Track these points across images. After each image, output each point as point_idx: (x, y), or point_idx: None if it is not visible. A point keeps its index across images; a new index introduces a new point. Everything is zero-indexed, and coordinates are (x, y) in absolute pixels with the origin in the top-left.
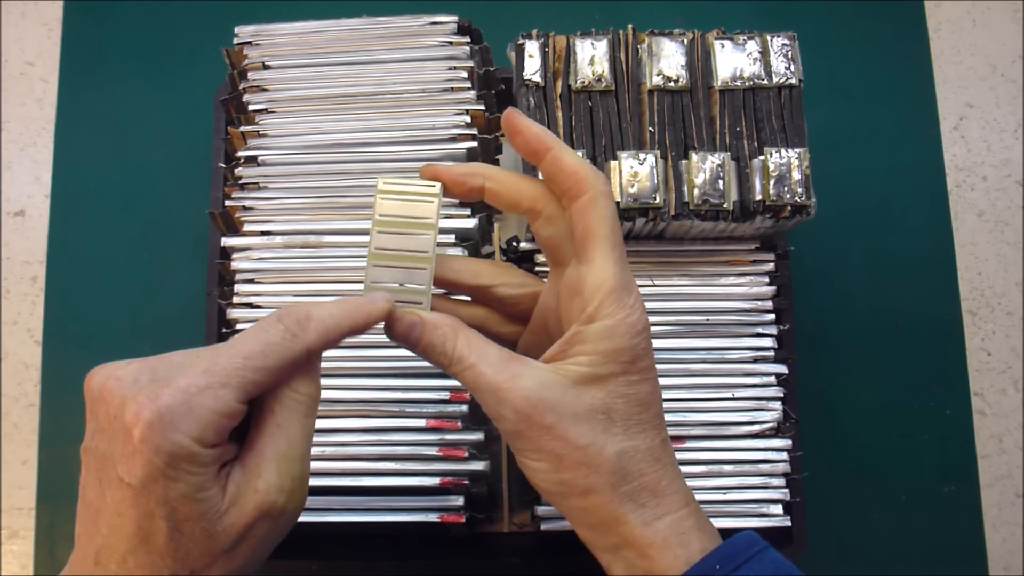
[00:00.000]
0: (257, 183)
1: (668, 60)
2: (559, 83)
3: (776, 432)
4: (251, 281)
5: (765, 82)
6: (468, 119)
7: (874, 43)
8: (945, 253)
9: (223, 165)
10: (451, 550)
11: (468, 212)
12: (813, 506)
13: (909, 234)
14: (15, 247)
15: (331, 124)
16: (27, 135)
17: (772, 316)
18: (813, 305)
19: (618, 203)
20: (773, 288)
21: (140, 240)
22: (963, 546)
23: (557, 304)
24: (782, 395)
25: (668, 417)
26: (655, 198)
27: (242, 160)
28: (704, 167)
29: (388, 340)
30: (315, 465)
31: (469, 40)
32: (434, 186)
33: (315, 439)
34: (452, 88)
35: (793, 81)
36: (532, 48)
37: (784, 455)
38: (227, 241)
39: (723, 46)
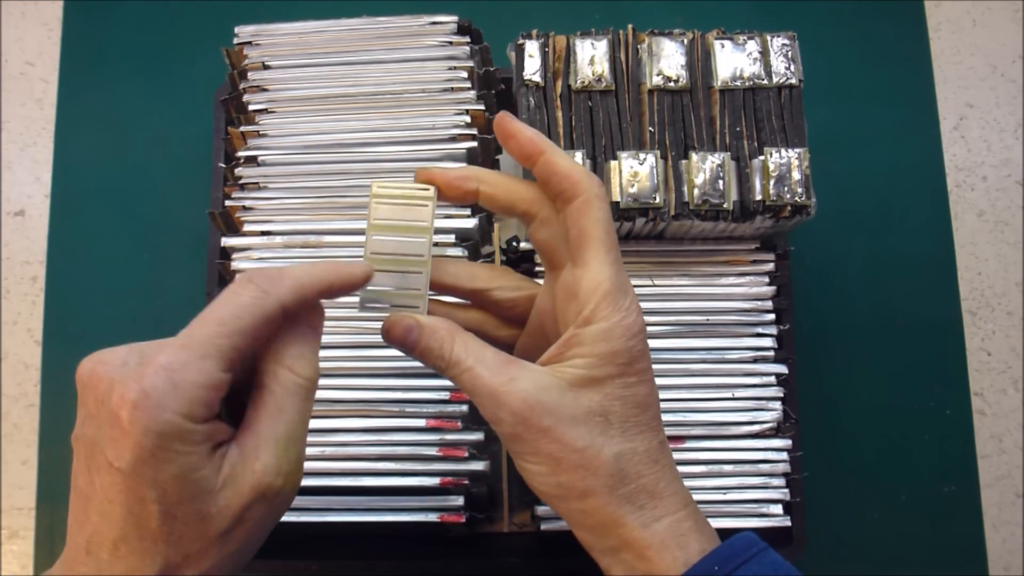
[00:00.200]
0: (257, 183)
1: (668, 60)
2: (559, 83)
3: (776, 432)
4: None
5: (765, 82)
6: (468, 119)
7: (874, 43)
8: (945, 253)
9: (223, 165)
10: (451, 550)
11: (468, 212)
12: (813, 506)
13: (909, 234)
14: (15, 247)
15: (331, 124)
16: (27, 135)
17: (772, 316)
18: (813, 305)
19: (618, 203)
20: (773, 288)
21: (140, 240)
22: (963, 546)
23: (553, 307)
24: (782, 395)
25: (668, 417)
26: (655, 198)
27: (242, 160)
28: (704, 167)
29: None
30: (315, 465)
31: (469, 40)
32: (428, 189)
33: (315, 439)
34: (452, 88)
35: (793, 81)
36: (532, 48)
37: (784, 455)
38: (227, 241)
39: (723, 46)
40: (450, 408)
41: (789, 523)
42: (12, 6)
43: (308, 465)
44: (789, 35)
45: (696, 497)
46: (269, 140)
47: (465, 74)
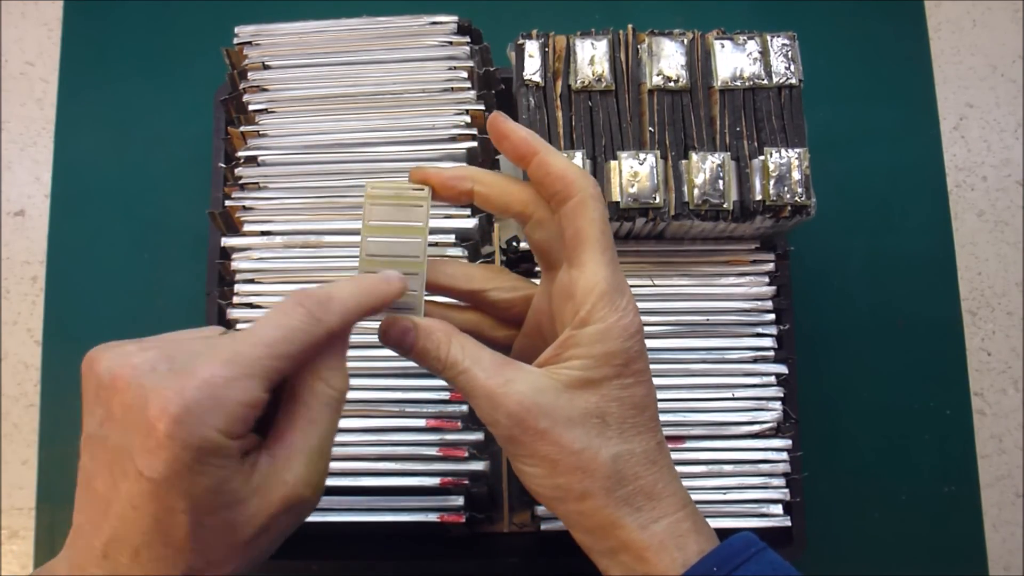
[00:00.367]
0: (257, 183)
1: (668, 60)
2: (559, 83)
3: (776, 432)
4: (251, 281)
5: (765, 82)
6: (468, 119)
7: (874, 43)
8: (945, 253)
9: (223, 165)
10: (451, 550)
11: (468, 212)
12: (813, 506)
13: (909, 234)
14: (15, 247)
15: (331, 124)
16: (27, 135)
17: (772, 316)
18: (813, 305)
19: (618, 203)
20: (773, 288)
21: (140, 240)
22: (963, 546)
23: (550, 307)
24: (782, 395)
25: (668, 417)
26: (655, 198)
27: (242, 160)
28: (704, 167)
29: None
30: None
31: (469, 40)
32: (423, 189)
33: None
34: (452, 88)
35: (793, 81)
36: (532, 48)
37: (784, 455)
38: (227, 241)
39: (723, 46)
40: (450, 408)
41: (789, 523)
42: (12, 6)
43: None
44: (789, 35)
45: (696, 497)
46: (269, 140)
47: (465, 74)
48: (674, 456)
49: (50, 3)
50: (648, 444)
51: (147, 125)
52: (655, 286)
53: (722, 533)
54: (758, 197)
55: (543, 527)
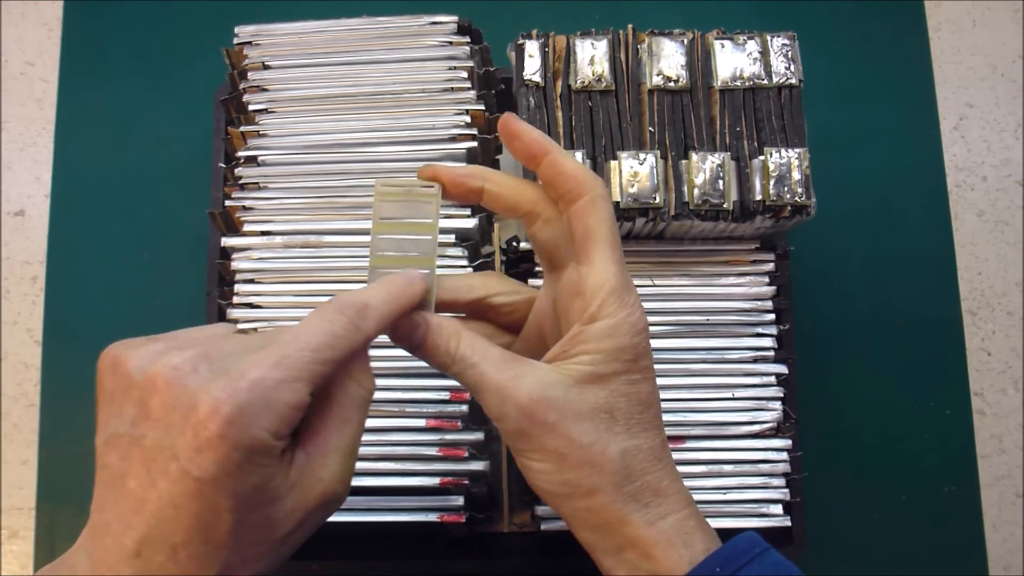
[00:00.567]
0: (257, 183)
1: (668, 60)
2: (559, 83)
3: (776, 432)
4: (251, 281)
5: (765, 82)
6: (468, 119)
7: (874, 43)
8: (945, 253)
9: (223, 165)
10: (451, 550)
11: (468, 212)
12: (813, 506)
13: (909, 234)
14: (15, 247)
15: (331, 124)
16: (27, 135)
17: (772, 316)
18: (813, 305)
19: (618, 203)
20: (773, 288)
21: (140, 240)
22: (963, 546)
23: (553, 309)
24: (782, 395)
25: (668, 417)
26: (655, 198)
27: (242, 160)
28: (704, 167)
29: (387, 340)
30: None
31: (469, 40)
32: (433, 187)
33: None
34: (452, 88)
35: (793, 81)
36: (532, 48)
37: (784, 455)
38: (227, 241)
39: (723, 46)
40: (450, 408)
41: (789, 523)
42: (12, 6)
43: None
44: (789, 35)
45: (696, 497)
46: (269, 140)
47: (465, 74)
48: (674, 456)
49: (50, 3)
50: (654, 441)
51: (147, 125)
52: (655, 286)
53: (723, 533)
54: (758, 197)
55: (543, 527)
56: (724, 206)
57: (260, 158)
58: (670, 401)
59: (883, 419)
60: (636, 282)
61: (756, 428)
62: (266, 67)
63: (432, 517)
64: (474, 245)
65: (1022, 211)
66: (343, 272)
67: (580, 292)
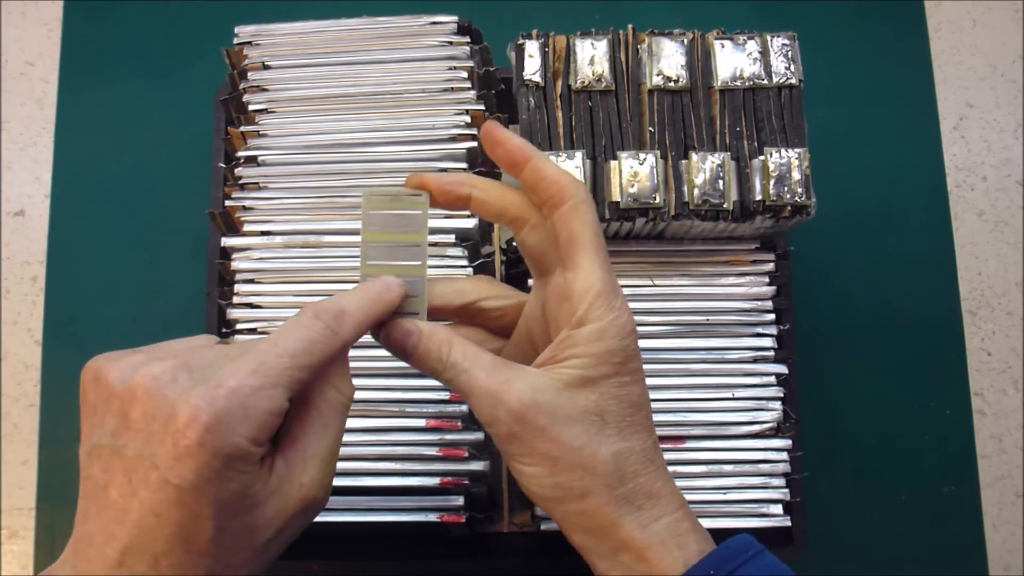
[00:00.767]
0: (257, 183)
1: (668, 60)
2: (559, 83)
3: (776, 432)
4: (251, 281)
5: (765, 82)
6: (468, 119)
7: (874, 43)
8: (945, 253)
9: (223, 165)
10: (451, 550)
11: (468, 212)
12: (813, 506)
13: (909, 234)
14: (15, 247)
15: (331, 124)
16: (27, 135)
17: (772, 316)
18: (813, 305)
19: (618, 203)
20: (773, 288)
21: (140, 240)
22: (963, 546)
23: (542, 314)
24: (782, 395)
25: (668, 417)
26: (655, 198)
27: (242, 160)
28: (704, 167)
29: None
30: None
31: (469, 40)
32: (421, 195)
33: None
34: (452, 88)
35: (793, 81)
36: (532, 48)
37: (784, 455)
38: (227, 241)
39: (723, 46)
40: (450, 408)
41: (789, 523)
42: (12, 6)
43: None
44: (789, 35)
45: (696, 497)
46: (269, 140)
47: (465, 74)
48: (674, 456)
49: (50, 3)
50: (645, 443)
51: (147, 125)
52: (655, 286)
53: (722, 533)
54: (758, 197)
55: (543, 527)
56: (724, 206)
57: (260, 158)
58: (670, 401)
59: (883, 419)
60: (636, 282)
61: (756, 428)
62: (266, 67)
63: (432, 517)
64: (474, 245)
65: (1022, 211)
66: (343, 272)
67: (567, 297)
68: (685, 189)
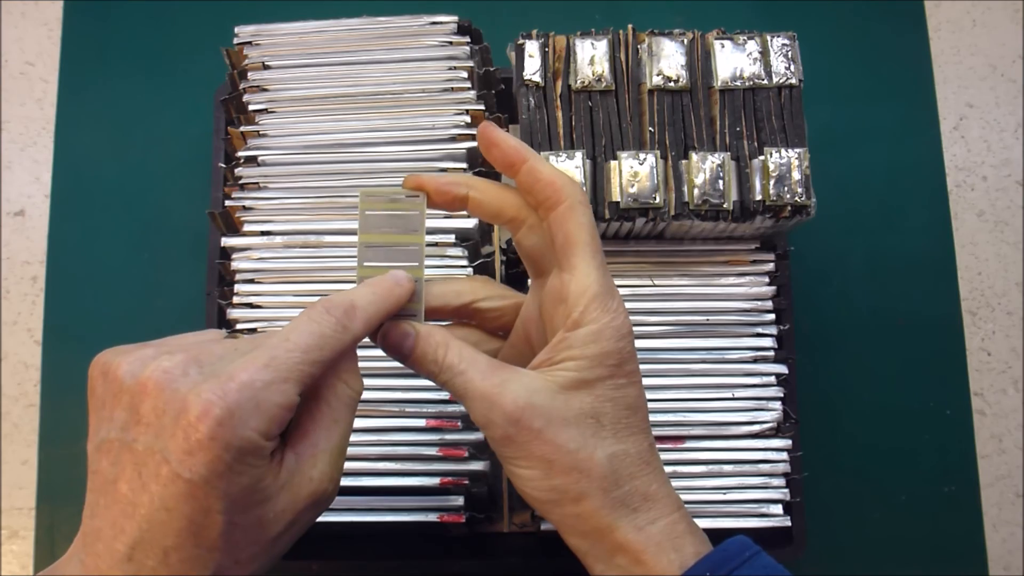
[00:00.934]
0: (257, 183)
1: (668, 60)
2: (559, 83)
3: (776, 432)
4: (251, 281)
5: (765, 82)
6: (468, 119)
7: (874, 43)
8: (945, 253)
9: (223, 165)
10: (451, 550)
11: (467, 212)
12: (813, 506)
13: (909, 234)
14: (15, 247)
15: (331, 124)
16: (27, 135)
17: (772, 316)
18: (813, 305)
19: (618, 203)
20: (773, 288)
21: (140, 240)
22: (963, 546)
23: (539, 315)
24: (782, 395)
25: (668, 417)
26: (655, 198)
27: (242, 160)
28: (704, 167)
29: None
30: None
31: (469, 40)
32: (418, 196)
33: None
34: (452, 88)
35: (793, 81)
36: (532, 48)
37: (784, 455)
38: (227, 241)
39: (723, 46)
40: (450, 408)
41: (789, 523)
42: (12, 6)
43: None
44: (789, 35)
45: (696, 497)
46: (269, 140)
47: (465, 74)
48: (674, 456)
49: (50, 3)
50: (641, 445)
51: (147, 125)
52: (655, 286)
53: (722, 533)
54: (758, 197)
55: (543, 527)
56: (724, 206)
57: (260, 158)
58: (670, 401)
59: (883, 419)
60: (636, 282)
61: (756, 428)
62: (266, 67)
63: (432, 517)
64: (474, 245)
65: (1022, 211)
66: (343, 272)
67: (563, 298)
68: (685, 189)
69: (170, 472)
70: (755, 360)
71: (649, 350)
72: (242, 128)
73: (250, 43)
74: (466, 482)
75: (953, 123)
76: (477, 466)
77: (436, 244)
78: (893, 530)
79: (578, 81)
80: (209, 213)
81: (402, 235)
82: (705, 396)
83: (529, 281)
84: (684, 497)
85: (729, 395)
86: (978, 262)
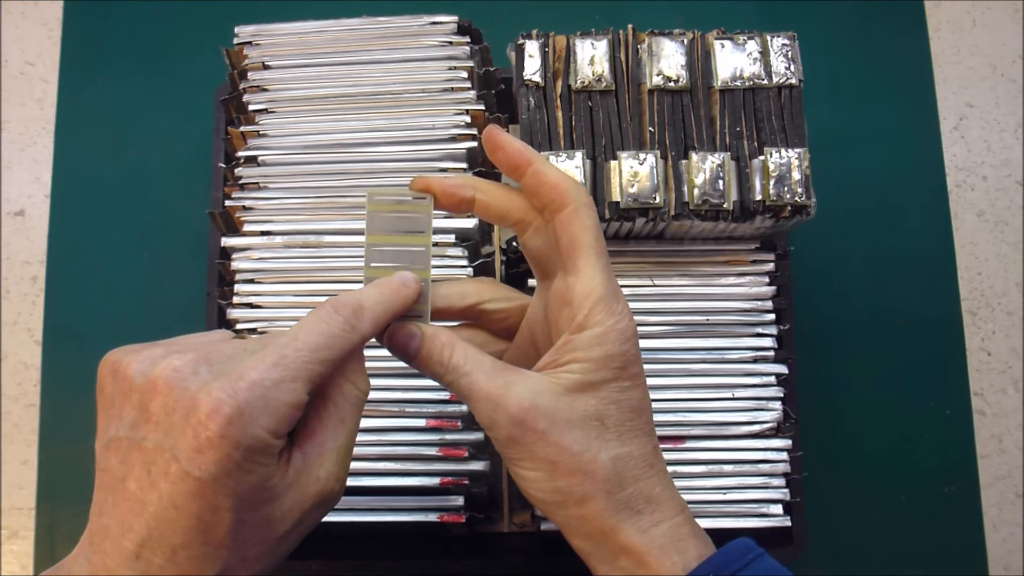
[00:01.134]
0: (257, 183)
1: (668, 60)
2: (559, 83)
3: (776, 432)
4: (251, 281)
5: (765, 82)
6: (468, 119)
7: (874, 43)
8: (945, 253)
9: (223, 165)
10: (451, 550)
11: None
12: (813, 506)
13: (909, 234)
14: (15, 247)
15: (331, 124)
16: (27, 135)
17: (772, 316)
18: (813, 305)
19: (618, 203)
20: (773, 288)
21: (140, 240)
22: (963, 546)
23: (544, 317)
24: (782, 395)
25: (668, 417)
26: (655, 198)
27: (242, 160)
28: (704, 167)
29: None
30: None
31: (469, 40)
32: (425, 198)
33: None
34: (452, 88)
35: (793, 81)
36: (532, 48)
37: (784, 455)
38: (227, 241)
39: (723, 46)
40: (450, 408)
41: (789, 523)
42: (12, 6)
43: None
44: (789, 35)
45: (696, 497)
46: (269, 140)
47: (465, 74)
48: (674, 456)
49: (50, 3)
50: (645, 448)
51: (147, 125)
52: (655, 286)
53: (722, 533)
54: (758, 197)
55: (543, 527)
56: (724, 206)
57: (260, 158)
58: (670, 401)
59: (883, 419)
60: (636, 282)
61: (756, 428)
62: (266, 67)
63: (432, 517)
64: (474, 245)
65: (1022, 211)
66: (343, 272)
67: (568, 301)
68: (685, 189)
69: (179, 470)
70: (755, 360)
71: (649, 350)
72: (242, 128)
73: (250, 43)
74: (466, 482)
75: (953, 123)
76: (477, 466)
77: (436, 244)
78: (893, 530)
79: (578, 81)
80: (209, 213)
81: (409, 236)
82: (705, 396)
83: (533, 282)
84: (684, 497)
85: (729, 395)
86: (978, 262)
